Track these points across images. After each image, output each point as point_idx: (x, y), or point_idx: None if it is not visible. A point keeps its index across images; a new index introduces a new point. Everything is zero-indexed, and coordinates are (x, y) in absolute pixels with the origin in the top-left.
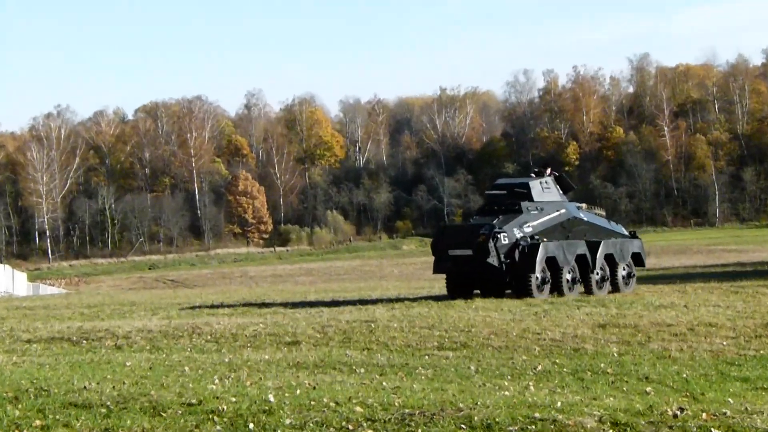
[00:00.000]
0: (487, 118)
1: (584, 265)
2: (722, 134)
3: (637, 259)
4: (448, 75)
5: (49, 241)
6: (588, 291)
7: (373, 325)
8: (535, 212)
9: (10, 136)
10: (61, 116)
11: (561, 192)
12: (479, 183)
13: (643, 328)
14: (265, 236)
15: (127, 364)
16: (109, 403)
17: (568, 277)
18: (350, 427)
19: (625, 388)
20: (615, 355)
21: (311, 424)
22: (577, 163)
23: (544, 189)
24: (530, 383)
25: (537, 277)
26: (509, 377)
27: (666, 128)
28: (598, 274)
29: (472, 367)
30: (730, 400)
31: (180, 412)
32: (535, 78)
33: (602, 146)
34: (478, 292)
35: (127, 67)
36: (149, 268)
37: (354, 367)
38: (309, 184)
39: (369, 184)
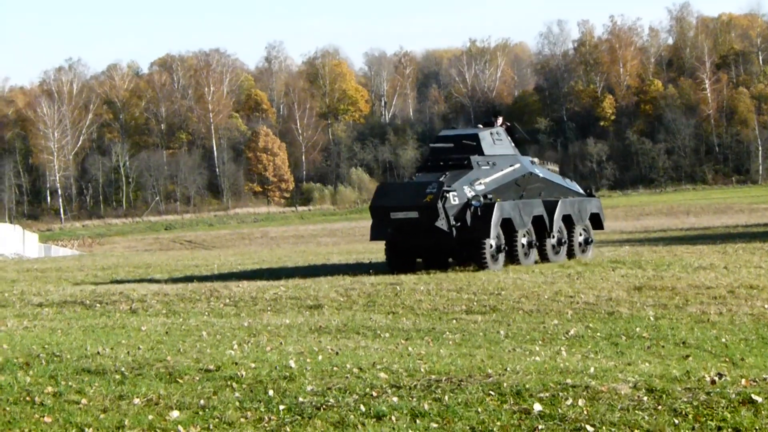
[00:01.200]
0: (519, 71)
1: (540, 228)
2: (766, 87)
3: (596, 221)
4: (478, 26)
5: (61, 200)
6: (543, 258)
7: (398, 287)
8: (487, 167)
9: (20, 91)
10: (73, 70)
11: (513, 145)
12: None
13: (681, 291)
14: (287, 195)
15: (143, 328)
16: (123, 369)
17: (524, 241)
18: (374, 393)
19: (661, 354)
20: (651, 318)
21: (333, 391)
22: (613, 117)
23: (495, 141)
24: (562, 348)
25: (491, 244)
26: (540, 342)
27: (707, 81)
28: (554, 237)
29: (502, 332)
30: None
31: (197, 378)
32: (569, 29)
33: (639, 100)
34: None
35: (141, 18)
36: (165, 229)
37: (378, 332)
38: (332, 140)
39: (395, 140)
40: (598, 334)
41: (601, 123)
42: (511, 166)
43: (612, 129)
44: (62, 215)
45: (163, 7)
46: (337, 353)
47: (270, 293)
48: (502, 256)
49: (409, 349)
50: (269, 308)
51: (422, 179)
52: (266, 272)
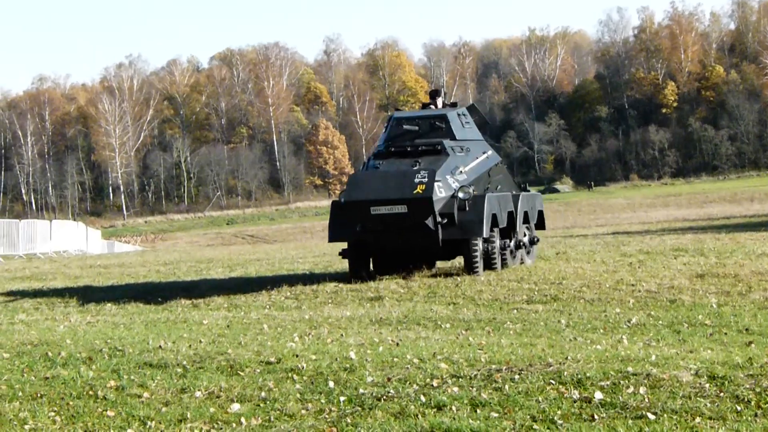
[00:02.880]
0: (578, 59)
1: (507, 227)
2: None
3: (539, 220)
4: (537, 15)
5: (123, 196)
6: (503, 263)
7: (459, 278)
8: (462, 154)
9: (82, 88)
10: (133, 66)
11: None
12: (572, 128)
13: (744, 278)
14: None
15: (204, 322)
16: (185, 362)
17: (511, 242)
18: (434, 383)
19: (724, 341)
20: (714, 306)
21: (394, 382)
22: (675, 104)
23: (464, 124)
24: (623, 337)
25: (480, 246)
26: (601, 331)
27: None
28: (515, 237)
29: (563, 321)
30: None
31: (258, 370)
32: (629, 16)
33: (702, 86)
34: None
35: (200, 13)
36: (227, 224)
37: (439, 323)
38: None
39: None
40: (660, 322)
41: (663, 110)
42: (483, 153)
43: (674, 116)
44: (125, 211)
45: (221, 2)
46: (397, 344)
47: (330, 286)
48: (500, 258)
49: (470, 339)
50: (330, 301)
51: (401, 167)
52: (328, 265)
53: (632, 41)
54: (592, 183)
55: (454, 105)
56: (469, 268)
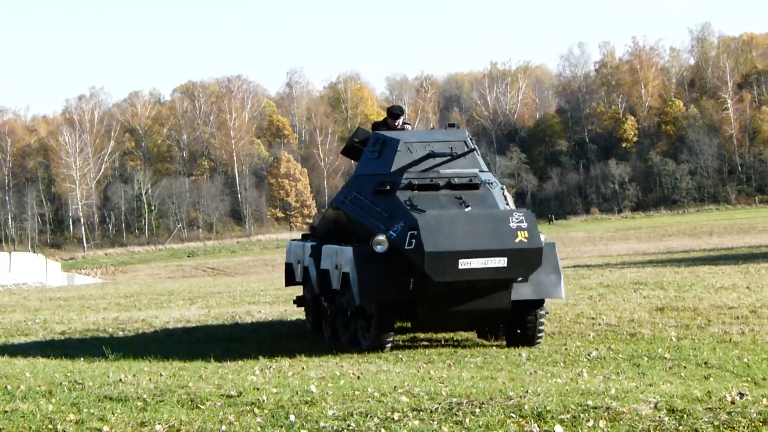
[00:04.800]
0: (540, 93)
1: None
2: None
3: None
4: (499, 49)
5: (83, 228)
6: None
7: None
8: (494, 190)
9: (43, 120)
10: (95, 98)
11: None
12: (533, 161)
13: (703, 311)
14: (309, 220)
15: (165, 355)
16: (145, 395)
17: None
18: (395, 417)
19: (683, 374)
20: (673, 339)
21: (355, 415)
22: (635, 139)
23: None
24: (584, 370)
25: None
26: (562, 364)
27: (729, 101)
28: None
29: (524, 354)
30: None
31: (219, 404)
32: (590, 51)
33: (662, 121)
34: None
35: (162, 46)
36: (188, 256)
37: (400, 356)
38: (354, 164)
39: None
40: (620, 355)
41: (623, 144)
42: (500, 188)
43: (634, 150)
44: (85, 243)
45: (183, 35)
46: (358, 377)
47: (292, 319)
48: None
49: (431, 372)
50: (291, 333)
51: (482, 208)
52: (289, 297)
53: (593, 76)
54: (553, 216)
55: (452, 125)
56: (532, 338)
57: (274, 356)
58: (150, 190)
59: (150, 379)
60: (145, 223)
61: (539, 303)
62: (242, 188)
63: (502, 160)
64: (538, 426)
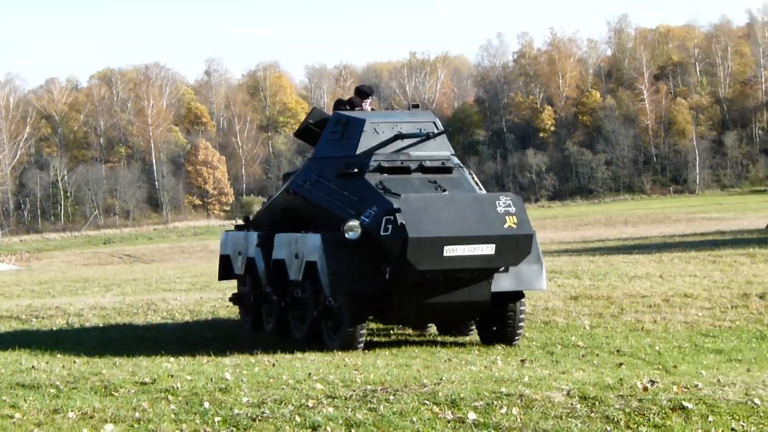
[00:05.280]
0: (459, 83)
1: None
2: (704, 98)
3: None
4: (419, 39)
5: None
6: None
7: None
8: (467, 176)
9: None
10: (10, 84)
11: None
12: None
13: (617, 300)
14: (227, 208)
15: (80, 342)
16: (58, 382)
17: None
18: (310, 404)
19: (596, 362)
20: (587, 327)
21: (270, 402)
22: (552, 129)
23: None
24: (498, 358)
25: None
26: (476, 352)
27: (645, 92)
28: None
29: (438, 342)
30: (703, 372)
31: (133, 391)
32: (509, 41)
33: (579, 111)
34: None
35: (80, 33)
36: (104, 243)
37: (315, 343)
38: (272, 153)
39: None
40: (534, 343)
41: (541, 134)
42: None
43: (551, 140)
44: None
45: (102, 22)
46: (273, 365)
47: (208, 306)
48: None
49: (345, 359)
50: (206, 321)
51: (463, 193)
52: (204, 285)
53: (511, 66)
54: None
55: (416, 106)
56: (511, 335)
57: (189, 344)
58: (66, 177)
59: (63, 366)
60: (61, 210)
61: (519, 295)
62: (159, 175)
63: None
64: (452, 413)
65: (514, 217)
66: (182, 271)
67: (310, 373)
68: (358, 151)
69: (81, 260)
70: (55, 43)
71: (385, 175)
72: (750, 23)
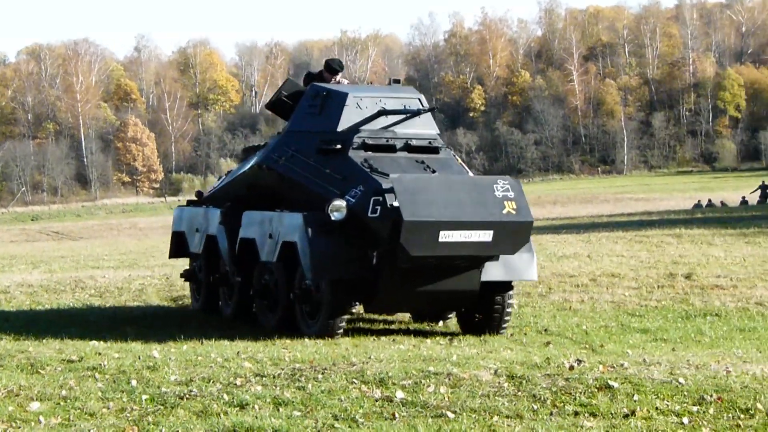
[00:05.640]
0: (390, 61)
1: None
2: (632, 79)
3: None
4: (350, 18)
5: None
6: None
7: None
8: (455, 156)
9: None
10: None
11: None
12: None
13: (545, 279)
14: (156, 185)
15: (8, 318)
16: None
17: None
18: (238, 382)
19: (524, 341)
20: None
21: (197, 380)
22: (482, 108)
23: None
24: (426, 337)
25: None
26: (405, 331)
27: (575, 73)
28: None
29: (365, 319)
30: (629, 351)
31: (59, 369)
32: (440, 21)
33: (508, 91)
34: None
35: (8, 8)
36: (32, 220)
37: (244, 321)
38: (202, 130)
39: (266, 130)
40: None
41: (471, 114)
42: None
43: (481, 120)
44: None
45: None
46: (201, 343)
47: (136, 284)
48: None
49: (274, 338)
50: (135, 299)
51: (454, 174)
52: (132, 262)
53: (442, 45)
54: None
55: (397, 81)
56: (498, 324)
57: (117, 321)
58: None
59: None
60: None
61: (508, 285)
62: (88, 152)
63: None
64: (380, 391)
65: (513, 203)
66: (110, 248)
67: (238, 352)
68: (340, 127)
69: (8, 237)
70: None
71: (370, 152)
72: (678, 5)
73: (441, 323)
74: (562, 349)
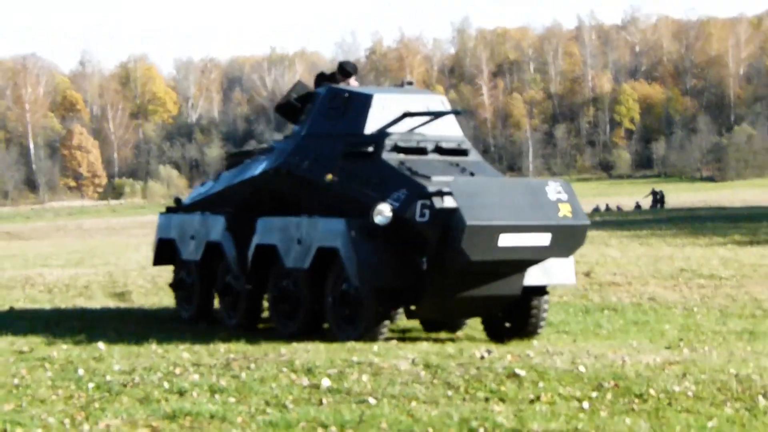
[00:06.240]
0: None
1: None
2: (537, 93)
3: None
4: (279, 35)
5: None
6: None
7: None
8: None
9: None
10: None
11: None
12: None
13: None
14: (100, 189)
15: None
16: None
17: None
18: (177, 371)
19: (441, 336)
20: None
21: (140, 370)
22: None
23: None
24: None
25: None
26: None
27: (485, 87)
28: None
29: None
30: (534, 342)
31: (12, 359)
32: (361, 39)
33: None
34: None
35: None
36: None
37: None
38: (143, 139)
39: (201, 139)
40: None
41: None
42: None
43: None
44: None
45: None
46: (143, 336)
47: (82, 281)
48: None
49: (210, 330)
50: (81, 295)
51: (486, 176)
52: (79, 261)
53: (364, 62)
54: None
55: (410, 84)
56: (534, 328)
57: (65, 315)
58: None
59: None
60: None
61: (544, 290)
62: (37, 158)
63: (279, 137)
64: (308, 379)
65: (568, 206)
66: (58, 248)
67: (178, 344)
68: (367, 130)
69: None
70: None
71: (402, 155)
72: (578, 27)
73: (458, 332)
74: (473, 340)
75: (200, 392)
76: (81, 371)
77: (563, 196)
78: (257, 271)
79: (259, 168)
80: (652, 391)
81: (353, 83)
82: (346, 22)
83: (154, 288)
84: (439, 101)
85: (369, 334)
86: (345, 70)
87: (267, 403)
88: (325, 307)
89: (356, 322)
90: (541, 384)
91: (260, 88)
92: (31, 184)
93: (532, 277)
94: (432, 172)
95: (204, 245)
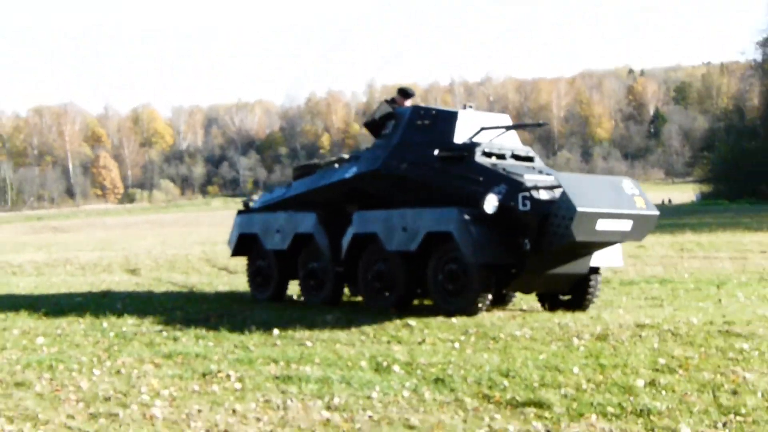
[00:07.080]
0: (269, 117)
1: None
2: None
3: None
4: (243, 86)
5: None
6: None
7: (180, 255)
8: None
9: None
10: None
11: None
12: (265, 162)
13: None
14: (118, 197)
15: (20, 284)
16: (6, 310)
17: None
18: (172, 325)
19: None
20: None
21: (146, 323)
22: (329, 148)
23: None
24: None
25: None
26: None
27: None
28: None
29: None
30: (424, 304)
31: (56, 316)
32: (301, 92)
33: (345, 137)
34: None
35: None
36: (37, 219)
37: (176, 284)
38: (149, 161)
39: (189, 162)
40: None
41: (321, 151)
42: None
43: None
44: None
45: None
46: (150, 298)
47: (105, 261)
48: None
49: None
50: (104, 271)
51: (543, 168)
52: (103, 247)
53: (303, 107)
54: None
55: (471, 107)
56: (588, 302)
57: (93, 285)
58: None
59: (9, 299)
60: (8, 198)
61: (597, 270)
62: (74, 175)
63: (244, 160)
64: (263, 329)
65: (642, 198)
66: (88, 238)
67: (174, 307)
68: (457, 139)
69: (21, 231)
70: None
71: (491, 159)
72: (451, 83)
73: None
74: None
75: (188, 338)
76: (105, 324)
77: (636, 191)
78: (353, 256)
79: (349, 172)
80: (501, 335)
81: (408, 104)
82: (293, 73)
83: (156, 265)
84: (506, 119)
85: (473, 305)
86: (406, 92)
87: (235, 346)
88: (429, 283)
89: (462, 294)
90: (426, 331)
91: (230, 126)
92: (69, 193)
93: (594, 259)
94: (520, 171)
95: (292, 237)
